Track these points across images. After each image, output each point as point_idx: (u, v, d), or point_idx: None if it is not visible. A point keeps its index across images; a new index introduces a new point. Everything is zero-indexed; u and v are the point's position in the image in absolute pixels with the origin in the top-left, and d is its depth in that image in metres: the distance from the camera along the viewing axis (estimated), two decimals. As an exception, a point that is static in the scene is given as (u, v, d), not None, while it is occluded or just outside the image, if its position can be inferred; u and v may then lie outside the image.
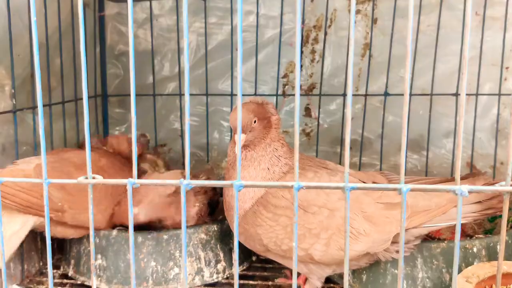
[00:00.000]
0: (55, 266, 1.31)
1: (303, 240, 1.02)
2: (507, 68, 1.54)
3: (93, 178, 0.64)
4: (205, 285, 1.21)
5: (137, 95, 1.67)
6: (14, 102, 1.20)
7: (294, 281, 0.61)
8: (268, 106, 1.08)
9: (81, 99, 1.53)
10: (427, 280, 1.07)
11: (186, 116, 0.59)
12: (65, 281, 1.25)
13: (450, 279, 1.02)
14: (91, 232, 0.64)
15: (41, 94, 0.63)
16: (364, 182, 1.06)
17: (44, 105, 1.31)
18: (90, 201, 0.64)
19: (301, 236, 1.01)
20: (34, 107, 1.28)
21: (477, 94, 1.53)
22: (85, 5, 1.56)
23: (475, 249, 1.08)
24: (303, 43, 1.68)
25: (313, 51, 1.69)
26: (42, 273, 1.30)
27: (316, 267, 1.08)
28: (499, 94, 1.54)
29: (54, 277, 1.27)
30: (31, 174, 1.08)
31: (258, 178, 1.03)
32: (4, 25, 1.16)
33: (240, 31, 0.56)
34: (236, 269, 0.62)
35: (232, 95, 1.66)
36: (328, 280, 1.22)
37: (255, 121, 1.02)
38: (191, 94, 1.67)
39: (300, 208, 1.00)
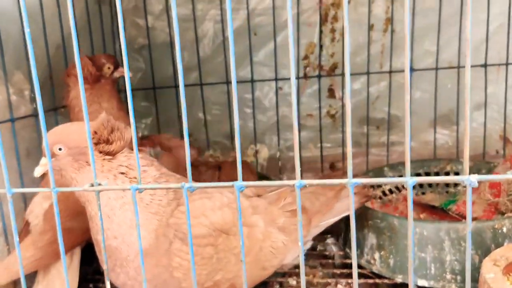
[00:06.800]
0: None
1: (228, 268, 0.90)
2: (538, 35, 1.47)
3: (99, 184, 0.64)
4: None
5: (159, 87, 1.69)
6: (35, 106, 1.22)
7: None
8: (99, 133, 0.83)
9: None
10: (456, 262, 1.03)
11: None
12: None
13: (480, 261, 0.98)
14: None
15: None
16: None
17: (64, 106, 1.33)
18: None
19: (227, 264, 0.90)
20: (55, 109, 1.30)
21: (507, 64, 1.47)
22: (100, 2, 1.57)
23: (504, 229, 1.03)
24: (322, 22, 1.63)
25: (332, 30, 1.64)
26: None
27: None
28: (531, 63, 1.47)
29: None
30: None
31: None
32: (19, 30, 1.17)
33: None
34: None
35: (252, 81, 1.65)
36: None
37: (60, 149, 0.83)
38: (211, 84, 1.68)
39: (223, 233, 0.89)
